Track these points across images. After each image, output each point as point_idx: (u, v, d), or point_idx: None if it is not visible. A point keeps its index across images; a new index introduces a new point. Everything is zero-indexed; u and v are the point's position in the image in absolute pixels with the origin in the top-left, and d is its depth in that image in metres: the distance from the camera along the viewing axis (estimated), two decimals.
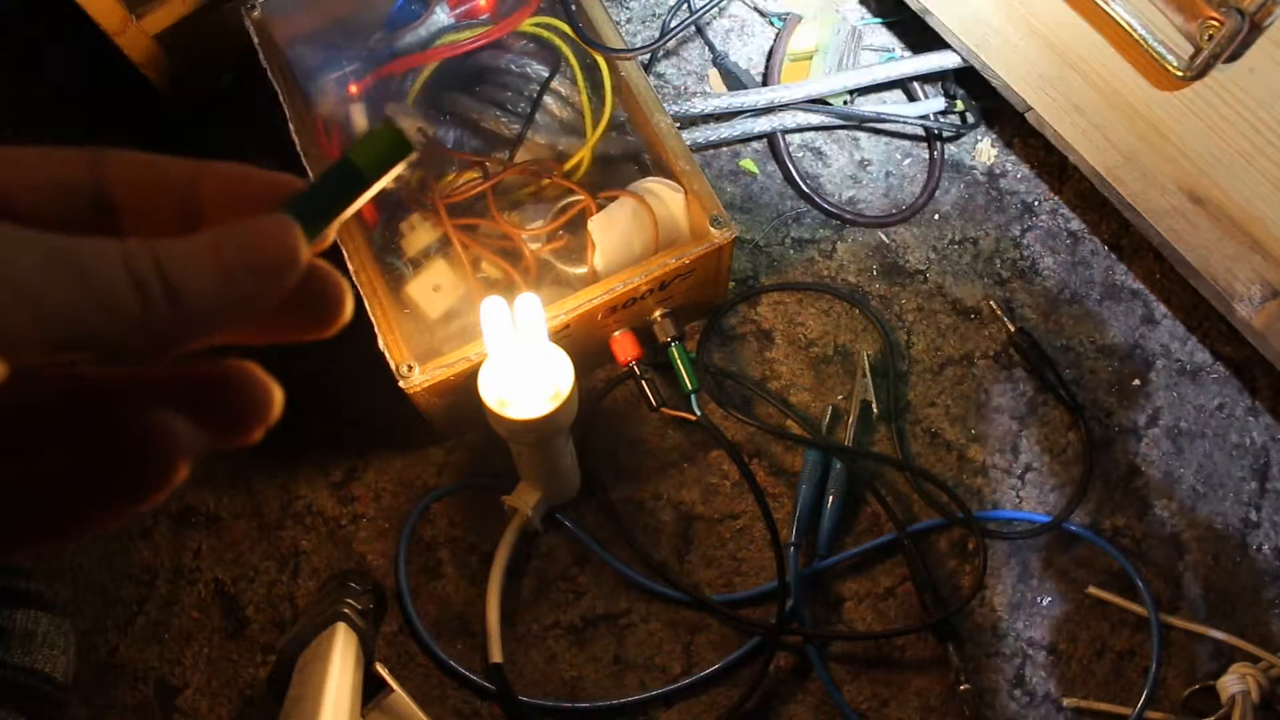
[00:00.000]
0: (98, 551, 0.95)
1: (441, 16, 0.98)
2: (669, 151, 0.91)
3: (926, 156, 1.08)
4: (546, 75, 0.96)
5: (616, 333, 0.93)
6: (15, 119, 1.15)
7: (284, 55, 0.97)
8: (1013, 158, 1.07)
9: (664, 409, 0.92)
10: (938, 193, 1.06)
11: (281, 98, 0.93)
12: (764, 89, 1.06)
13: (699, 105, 1.05)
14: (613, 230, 0.90)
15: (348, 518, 0.96)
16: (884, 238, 1.05)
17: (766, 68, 1.11)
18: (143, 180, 0.26)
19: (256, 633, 0.92)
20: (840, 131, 1.09)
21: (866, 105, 1.09)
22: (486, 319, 0.76)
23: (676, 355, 0.92)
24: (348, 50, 0.98)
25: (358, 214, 0.92)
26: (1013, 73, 0.99)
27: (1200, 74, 0.90)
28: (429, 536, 0.95)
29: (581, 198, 0.91)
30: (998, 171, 1.07)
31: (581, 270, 0.91)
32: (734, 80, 1.11)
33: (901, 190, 1.07)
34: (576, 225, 0.91)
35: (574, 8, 0.96)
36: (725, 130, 1.06)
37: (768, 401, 0.98)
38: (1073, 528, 0.92)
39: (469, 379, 0.81)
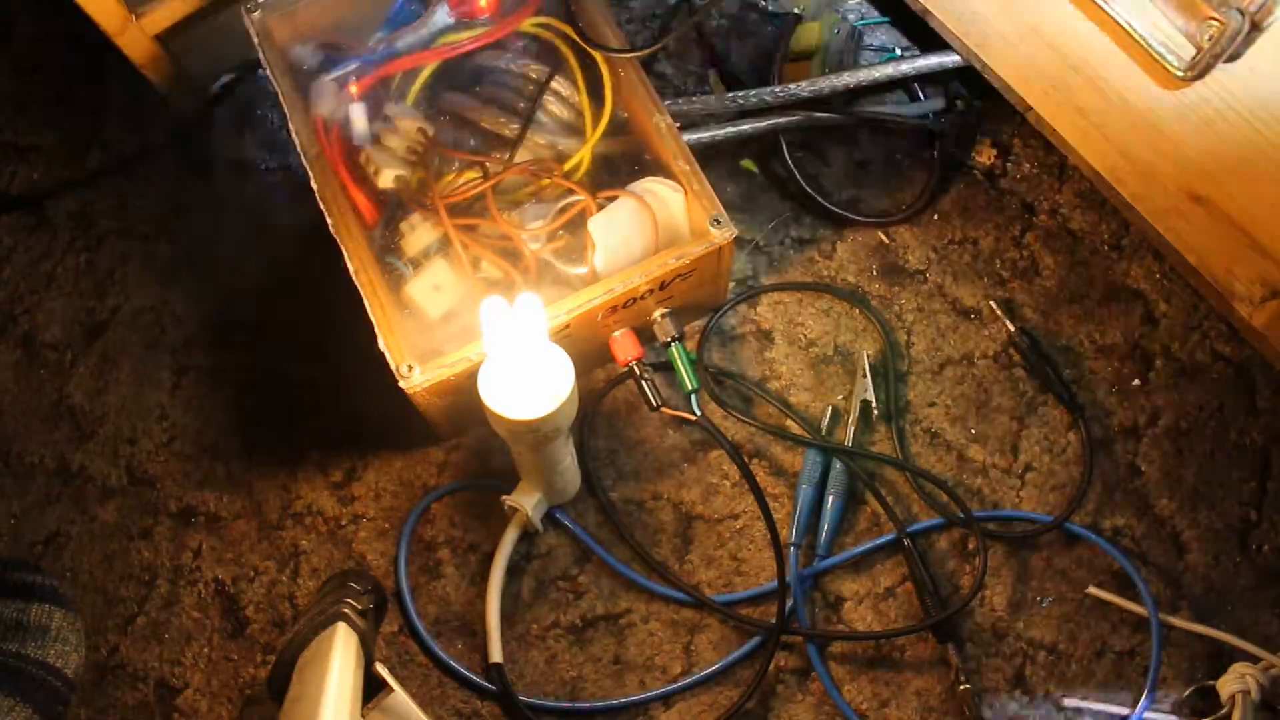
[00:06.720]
0: (98, 551, 0.95)
1: (441, 16, 0.98)
2: (669, 151, 0.91)
3: (926, 156, 1.08)
4: (546, 75, 0.96)
5: (616, 333, 0.93)
6: (15, 119, 1.15)
7: (284, 55, 0.97)
8: (1013, 158, 1.07)
9: (664, 409, 0.92)
10: (938, 193, 1.06)
11: (281, 98, 0.93)
12: (764, 89, 1.06)
13: (699, 105, 1.05)
14: (613, 230, 0.90)
15: (348, 518, 0.96)
16: (884, 238, 1.05)
17: (766, 68, 1.11)
18: None
19: (256, 633, 0.92)
20: (840, 131, 1.09)
21: (866, 105, 1.09)
22: (486, 319, 0.76)
23: (676, 355, 0.92)
24: (348, 50, 0.98)
25: (358, 213, 0.92)
26: (1013, 73, 0.99)
27: (1200, 74, 0.90)
28: (429, 536, 0.95)
29: (581, 198, 0.92)
30: (998, 171, 1.07)
31: (581, 270, 0.91)
32: (734, 80, 1.11)
33: (901, 190, 1.07)
34: (576, 225, 0.91)
35: (574, 8, 0.96)
36: (725, 130, 1.06)
37: (768, 401, 0.98)
38: (1073, 528, 0.92)
39: (469, 379, 0.81)
